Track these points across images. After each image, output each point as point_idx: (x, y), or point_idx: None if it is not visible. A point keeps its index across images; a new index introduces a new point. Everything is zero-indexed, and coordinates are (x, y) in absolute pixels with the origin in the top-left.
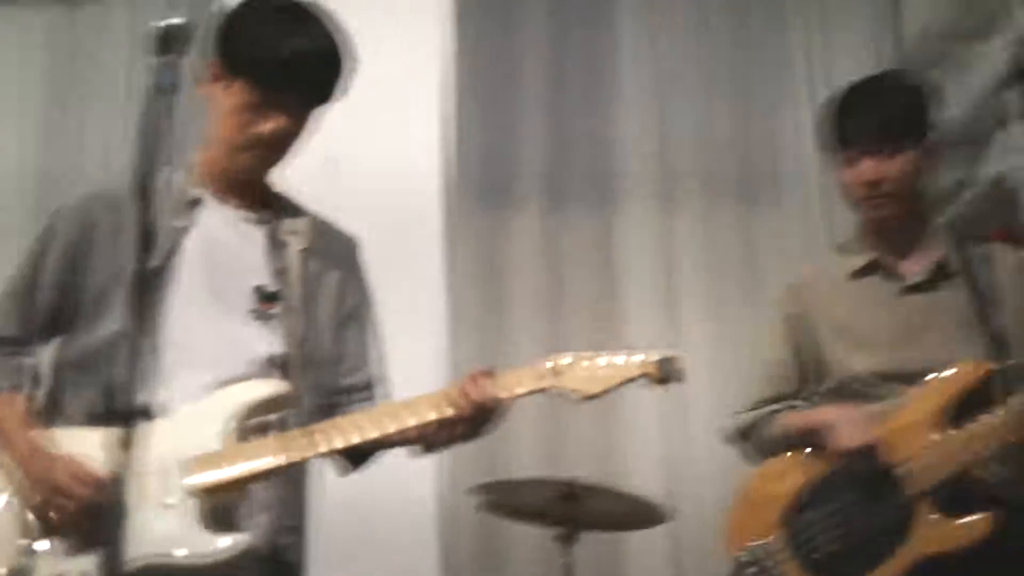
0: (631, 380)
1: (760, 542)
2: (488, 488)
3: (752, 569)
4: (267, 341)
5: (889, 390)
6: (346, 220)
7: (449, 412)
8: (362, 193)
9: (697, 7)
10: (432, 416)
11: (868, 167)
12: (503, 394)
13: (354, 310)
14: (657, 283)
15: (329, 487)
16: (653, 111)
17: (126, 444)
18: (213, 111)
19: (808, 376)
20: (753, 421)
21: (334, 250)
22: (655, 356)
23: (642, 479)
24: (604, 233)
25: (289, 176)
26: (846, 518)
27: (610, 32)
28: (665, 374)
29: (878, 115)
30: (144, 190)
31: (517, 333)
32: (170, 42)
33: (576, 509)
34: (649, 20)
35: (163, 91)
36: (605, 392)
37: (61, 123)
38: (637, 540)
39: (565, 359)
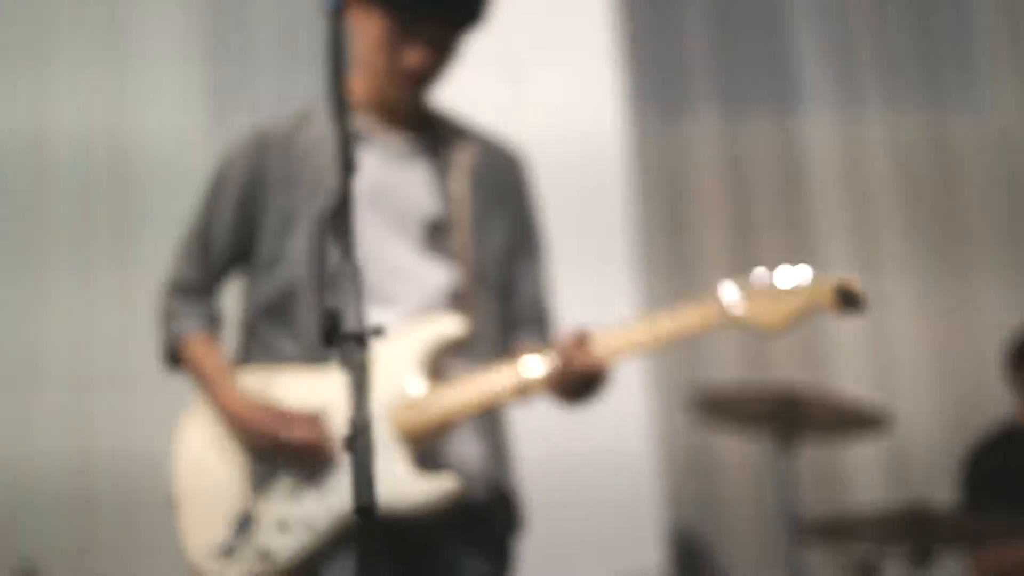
0: (810, 310)
1: None
2: (698, 396)
3: None
4: (441, 272)
5: None
6: (522, 135)
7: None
8: (538, 108)
9: None
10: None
11: None
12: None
13: (523, 237)
14: (848, 188)
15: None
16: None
17: (360, 366)
18: (357, 39)
19: None
20: None
21: (500, 172)
22: (830, 284)
23: (854, 385)
24: (788, 142)
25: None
26: None
27: None
28: (844, 303)
29: None
30: (341, 115)
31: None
32: None
33: (794, 416)
34: None
35: (332, 15)
36: (785, 326)
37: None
38: (855, 451)
39: (739, 289)
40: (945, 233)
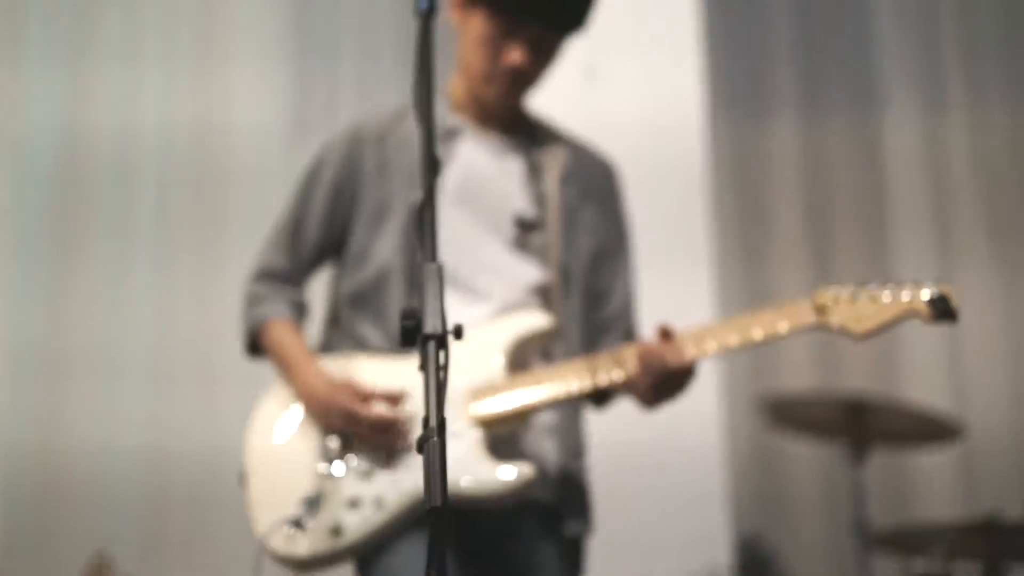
0: (901, 319)
1: None
2: (772, 402)
3: None
4: (530, 270)
5: None
6: (603, 134)
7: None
8: (619, 107)
9: None
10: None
11: None
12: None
13: (613, 243)
14: (927, 193)
15: (607, 411)
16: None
17: (440, 367)
18: (461, 39)
19: None
20: None
21: (592, 178)
22: (926, 294)
23: (927, 394)
24: (869, 144)
25: (546, 88)
26: None
27: None
28: (938, 314)
29: None
30: (428, 117)
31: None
32: None
33: (864, 424)
34: None
35: (424, 16)
36: (874, 332)
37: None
38: (926, 459)
39: (829, 294)
40: None
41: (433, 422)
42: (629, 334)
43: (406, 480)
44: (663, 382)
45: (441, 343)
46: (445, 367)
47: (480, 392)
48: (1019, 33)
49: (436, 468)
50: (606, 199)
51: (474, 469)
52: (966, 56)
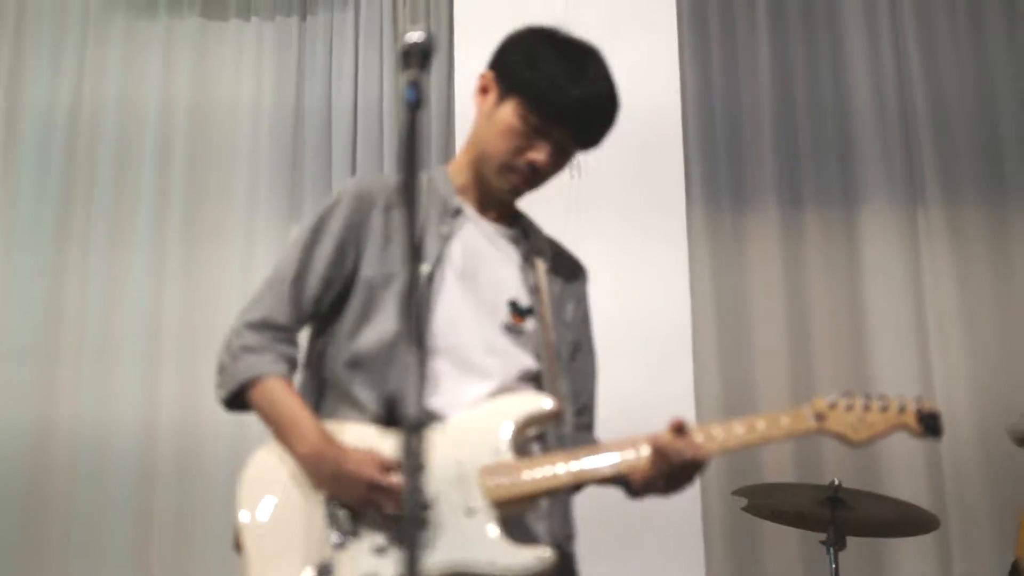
0: (893, 431)
1: None
2: (751, 491)
3: None
4: (522, 355)
5: None
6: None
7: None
8: (603, 202)
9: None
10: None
11: None
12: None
13: (585, 341)
14: (905, 287)
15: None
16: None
17: (415, 450)
18: (483, 122)
19: None
20: None
21: (570, 278)
22: (916, 411)
23: (907, 484)
24: (847, 237)
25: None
26: None
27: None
28: (926, 431)
29: None
30: (411, 206)
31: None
32: (412, 58)
33: (841, 514)
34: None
35: (411, 107)
36: (869, 442)
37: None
38: (905, 547)
39: (826, 403)
40: (1006, 335)
41: (409, 510)
42: (591, 428)
43: (427, 555)
44: (679, 474)
45: (420, 431)
46: (422, 454)
47: (494, 471)
48: (991, 132)
49: (412, 554)
50: (581, 299)
51: (492, 549)
52: (941, 154)
